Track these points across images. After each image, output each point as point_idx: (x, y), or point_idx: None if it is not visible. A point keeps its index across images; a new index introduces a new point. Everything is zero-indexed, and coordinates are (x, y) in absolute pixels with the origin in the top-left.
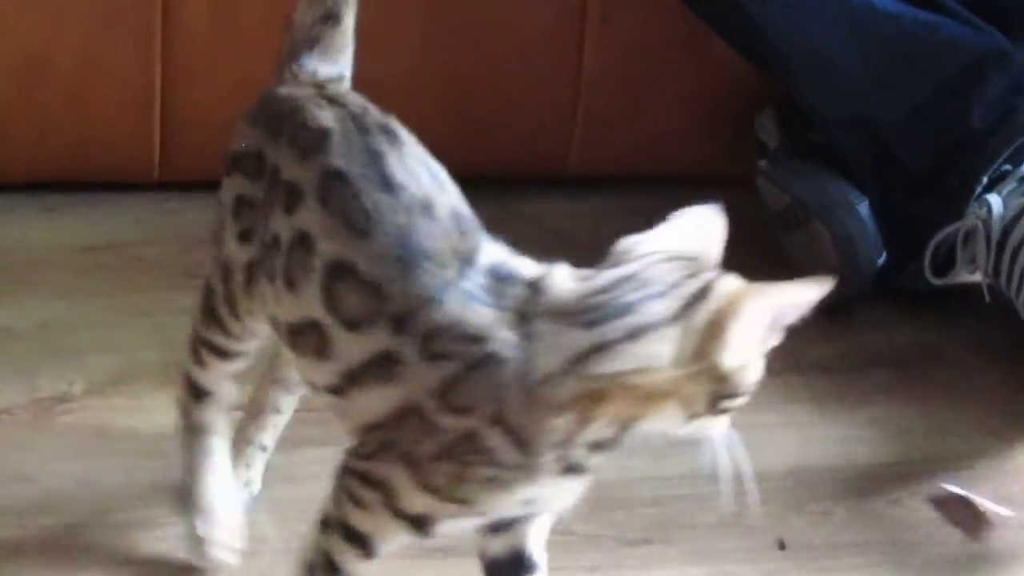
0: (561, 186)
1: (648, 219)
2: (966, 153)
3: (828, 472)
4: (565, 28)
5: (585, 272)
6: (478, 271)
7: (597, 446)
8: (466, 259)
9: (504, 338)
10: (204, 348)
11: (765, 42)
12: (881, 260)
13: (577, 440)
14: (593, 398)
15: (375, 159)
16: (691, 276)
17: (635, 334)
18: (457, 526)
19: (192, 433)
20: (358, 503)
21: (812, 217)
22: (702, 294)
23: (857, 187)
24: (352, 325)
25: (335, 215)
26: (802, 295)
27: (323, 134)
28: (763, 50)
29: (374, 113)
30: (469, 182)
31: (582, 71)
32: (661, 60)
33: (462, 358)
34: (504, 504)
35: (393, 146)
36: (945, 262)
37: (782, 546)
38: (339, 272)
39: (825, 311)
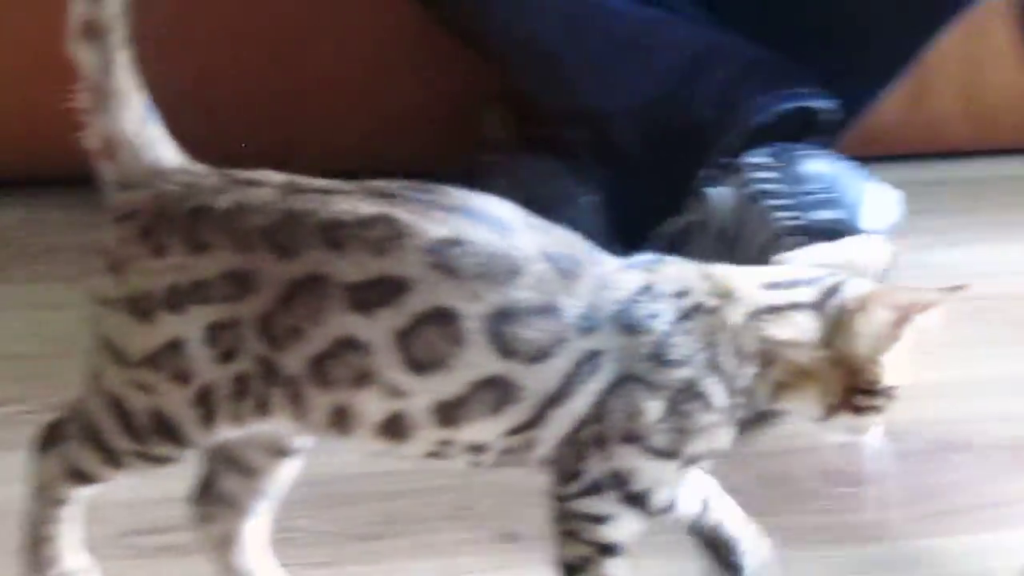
0: None
1: None
2: (687, 146)
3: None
4: (290, 23)
5: None
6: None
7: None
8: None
9: (704, 287)
10: (132, 457)
11: (490, 37)
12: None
13: (753, 393)
14: (764, 357)
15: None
16: (832, 275)
17: (795, 307)
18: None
19: (54, 505)
20: (602, 520)
21: (536, 210)
22: (836, 288)
23: (581, 181)
24: (537, 357)
25: (467, 276)
26: (929, 298)
27: (335, 224)
28: (489, 44)
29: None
30: None
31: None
32: (385, 54)
33: (669, 315)
34: (710, 453)
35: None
36: (671, 253)
37: (512, 538)
38: (504, 317)
39: None
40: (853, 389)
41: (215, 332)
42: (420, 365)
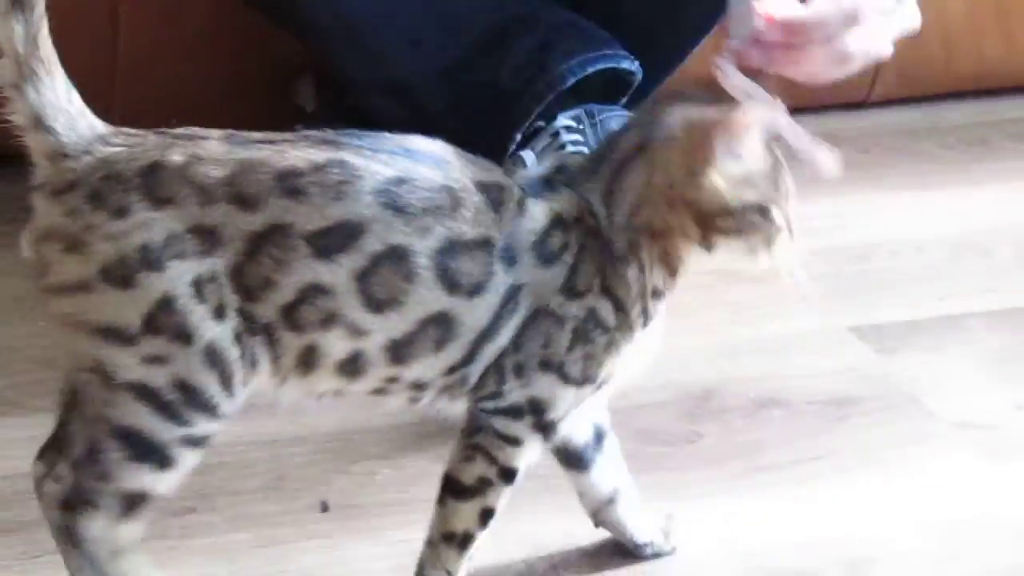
0: None
1: None
2: (499, 111)
3: (373, 433)
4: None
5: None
6: (522, 181)
7: (657, 294)
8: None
9: (591, 212)
10: (180, 446)
11: (297, 8)
12: None
13: (648, 287)
14: (632, 243)
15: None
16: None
17: (616, 173)
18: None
19: (115, 557)
20: (511, 440)
21: None
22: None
23: None
24: (474, 291)
25: (416, 213)
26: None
27: (291, 172)
28: (295, 16)
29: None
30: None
31: (118, 39)
32: (200, 27)
33: (575, 245)
34: (616, 369)
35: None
36: None
37: (325, 508)
38: (449, 252)
39: None
40: (704, 218)
41: (200, 287)
42: (378, 304)
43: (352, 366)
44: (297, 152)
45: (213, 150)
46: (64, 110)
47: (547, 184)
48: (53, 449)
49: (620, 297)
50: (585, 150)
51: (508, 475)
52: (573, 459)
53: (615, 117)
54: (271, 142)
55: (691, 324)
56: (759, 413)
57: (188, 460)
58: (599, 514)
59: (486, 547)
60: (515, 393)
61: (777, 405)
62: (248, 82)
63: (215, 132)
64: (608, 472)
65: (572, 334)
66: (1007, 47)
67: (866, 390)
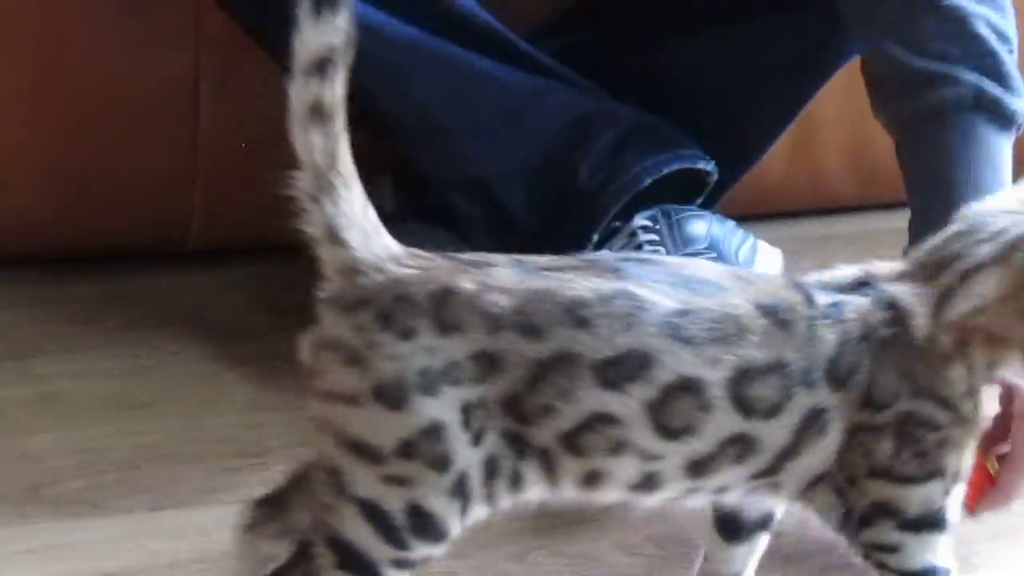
0: (186, 259)
1: (277, 286)
2: (577, 211)
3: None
4: (179, 94)
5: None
6: (816, 299)
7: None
8: (806, 294)
9: (882, 319)
10: (389, 567)
11: (375, 108)
12: None
13: (976, 385)
14: (961, 343)
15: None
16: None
17: (965, 276)
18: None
19: None
20: (886, 548)
21: None
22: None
23: (472, 248)
24: (771, 412)
25: (703, 343)
26: None
27: (579, 303)
28: (374, 115)
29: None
30: (91, 259)
31: (198, 138)
32: (277, 125)
33: (866, 361)
34: (964, 459)
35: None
36: None
37: None
38: (742, 380)
39: None
40: None
41: (468, 413)
42: (672, 432)
43: (647, 484)
44: (584, 282)
45: (502, 278)
46: (359, 225)
47: (839, 295)
48: (271, 507)
49: (943, 396)
50: (662, 250)
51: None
52: (730, 527)
53: (692, 217)
54: (558, 269)
55: None
56: None
57: None
58: None
59: None
60: (858, 504)
61: None
62: None
63: (502, 258)
64: (744, 558)
65: (894, 438)
66: None
67: None
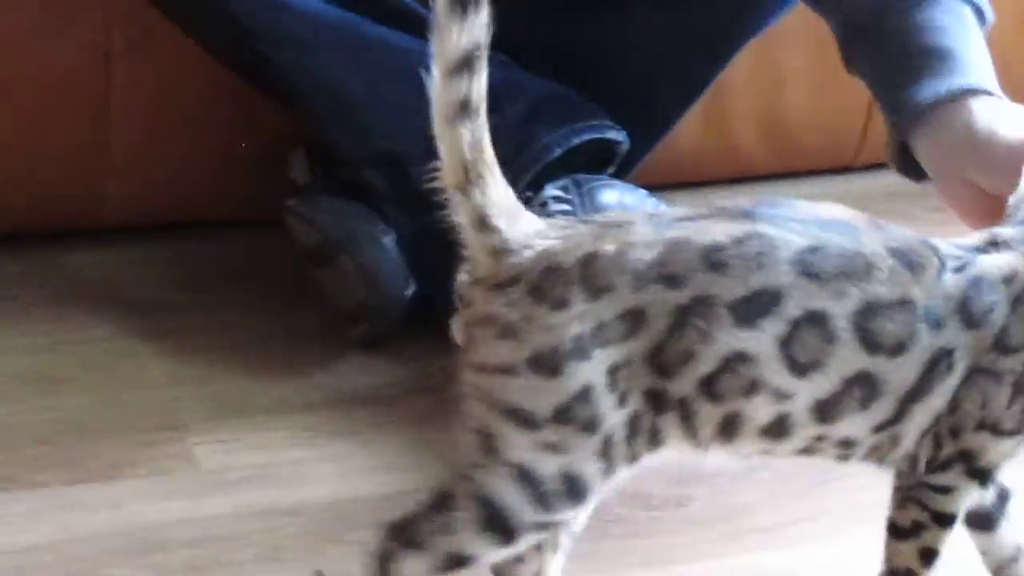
0: (101, 236)
1: (192, 263)
2: None
3: (365, 502)
4: (90, 73)
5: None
6: (946, 251)
7: None
8: (934, 248)
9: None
10: (531, 530)
11: (286, 84)
12: (410, 291)
13: None
14: None
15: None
16: None
17: None
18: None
19: None
20: (943, 490)
21: (339, 251)
22: None
23: (384, 220)
24: (897, 350)
25: (830, 278)
26: None
27: (714, 247)
28: (285, 92)
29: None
30: (5, 237)
31: (111, 117)
32: (192, 102)
33: (1004, 305)
34: None
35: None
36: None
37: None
38: (867, 314)
39: (361, 343)
40: None
41: (614, 374)
42: (801, 367)
43: (778, 428)
44: (717, 227)
45: (641, 234)
46: (506, 208)
47: (977, 251)
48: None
49: None
50: (573, 219)
51: (943, 520)
52: (979, 519)
53: (603, 187)
54: (690, 219)
55: None
56: (748, 476)
57: (529, 542)
58: (1001, 572)
59: None
60: (947, 448)
61: (766, 467)
62: (242, 157)
63: (637, 215)
64: (1011, 532)
65: (1011, 388)
66: None
67: None
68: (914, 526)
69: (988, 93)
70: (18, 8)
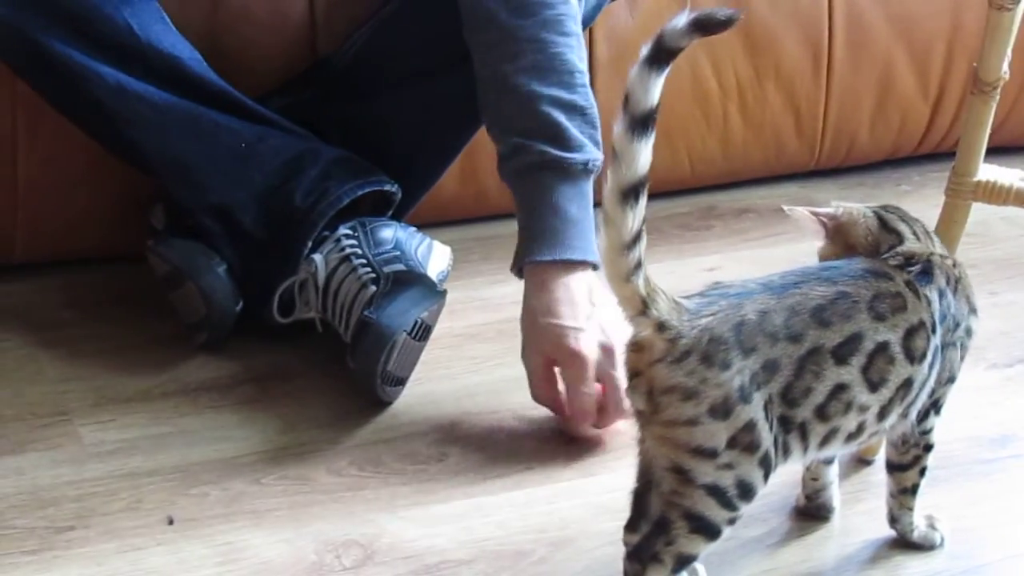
0: (12, 270)
1: (84, 289)
2: (295, 225)
3: (207, 464)
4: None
5: None
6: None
7: None
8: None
9: (951, 265)
10: (726, 525)
11: (142, 154)
12: (239, 307)
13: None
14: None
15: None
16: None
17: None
18: None
19: None
20: (928, 431)
21: (185, 279)
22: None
23: (219, 254)
24: (923, 357)
25: (888, 316)
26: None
27: (820, 308)
28: (141, 160)
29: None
30: None
31: (18, 177)
32: (87, 162)
33: (950, 296)
34: None
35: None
36: (289, 304)
37: (171, 521)
38: (908, 337)
39: (204, 347)
40: None
41: (766, 408)
42: (874, 385)
43: (857, 433)
44: (819, 289)
45: (765, 303)
46: (669, 308)
47: (927, 269)
48: (635, 519)
49: (975, 307)
50: (359, 251)
51: (929, 448)
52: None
53: (381, 226)
54: (796, 284)
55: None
56: (489, 436)
57: (726, 533)
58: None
59: None
60: (927, 403)
61: (503, 429)
62: (121, 206)
63: (754, 284)
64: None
65: (961, 349)
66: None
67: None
68: (914, 459)
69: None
70: None
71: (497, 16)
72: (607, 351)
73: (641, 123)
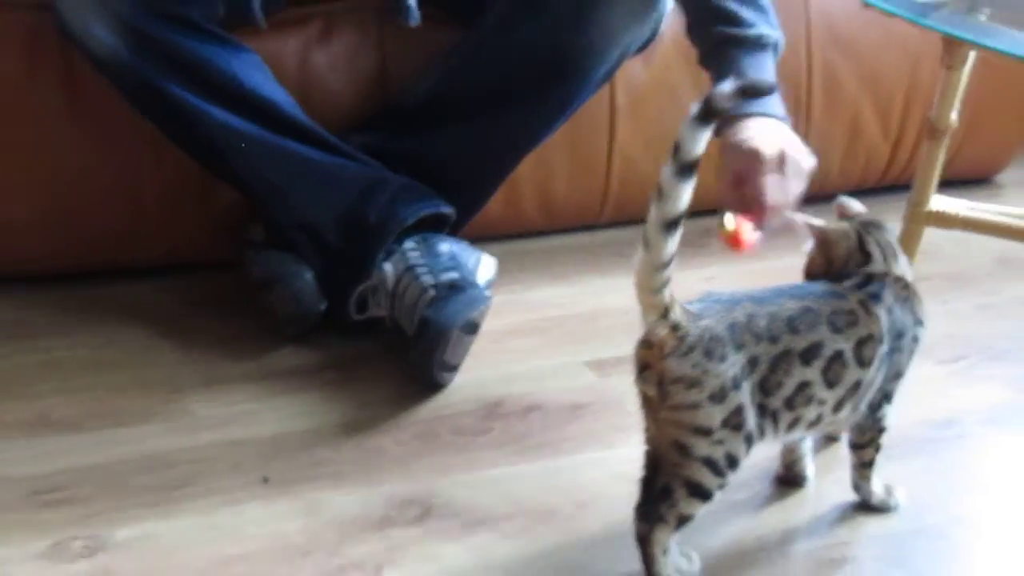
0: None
1: (193, 295)
2: (368, 239)
3: (294, 434)
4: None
5: None
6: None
7: None
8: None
9: (901, 286)
10: (717, 490)
11: (245, 182)
12: (323, 306)
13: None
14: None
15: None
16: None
17: (894, 256)
18: None
19: (664, 553)
20: (881, 419)
21: (279, 283)
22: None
23: (306, 263)
24: (871, 363)
25: (843, 329)
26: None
27: (792, 318)
28: (244, 187)
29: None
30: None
31: (144, 194)
32: (198, 185)
33: (898, 311)
34: None
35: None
36: (363, 304)
37: (265, 480)
38: (860, 346)
39: (292, 338)
40: None
41: (751, 396)
42: (831, 383)
43: (817, 422)
44: (791, 304)
45: (751, 309)
46: (676, 301)
47: (878, 290)
48: (647, 490)
49: (920, 319)
50: (421, 262)
51: (883, 431)
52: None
53: (439, 241)
54: (772, 299)
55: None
56: (528, 414)
57: (717, 497)
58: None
59: None
60: (879, 396)
61: (539, 408)
62: (222, 222)
63: (741, 295)
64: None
65: (908, 353)
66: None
67: (593, 398)
68: (870, 439)
69: (767, 116)
70: None
71: None
72: (782, 160)
73: (687, 169)
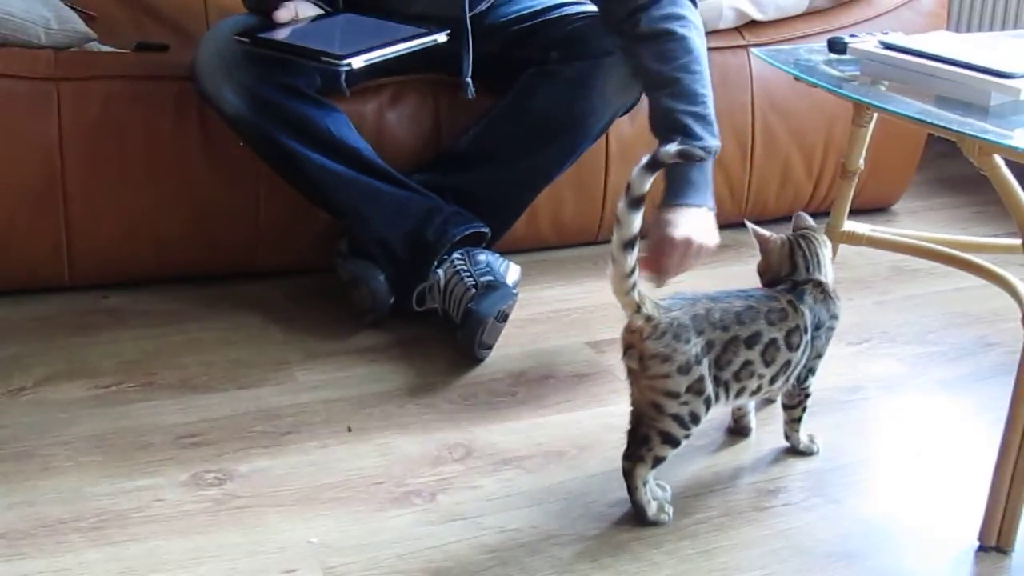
0: (254, 275)
1: (297, 292)
2: (426, 252)
3: (371, 395)
4: (42, 156)
5: None
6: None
7: None
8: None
9: (820, 289)
10: (683, 439)
11: (334, 208)
12: (392, 300)
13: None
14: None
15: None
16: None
17: (821, 266)
18: None
19: (643, 484)
20: (807, 389)
21: (360, 283)
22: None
23: (380, 269)
24: (798, 347)
25: (776, 324)
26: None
27: (740, 312)
28: (334, 211)
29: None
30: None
31: (259, 215)
32: (302, 208)
33: (818, 308)
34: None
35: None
36: (421, 299)
37: (350, 430)
38: (789, 335)
39: (370, 325)
40: None
41: (709, 368)
42: (768, 362)
43: (757, 391)
44: (738, 302)
45: (709, 304)
46: (647, 298)
47: (802, 293)
48: (632, 438)
49: (837, 316)
50: (465, 268)
51: (808, 397)
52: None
53: (478, 252)
54: (726, 299)
55: (522, 340)
56: (544, 381)
57: (683, 444)
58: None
59: None
60: (804, 370)
61: (553, 377)
62: (321, 236)
63: (700, 294)
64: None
65: (825, 340)
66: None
67: (593, 369)
68: (798, 402)
69: (695, 207)
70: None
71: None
72: (687, 244)
73: (636, 203)
